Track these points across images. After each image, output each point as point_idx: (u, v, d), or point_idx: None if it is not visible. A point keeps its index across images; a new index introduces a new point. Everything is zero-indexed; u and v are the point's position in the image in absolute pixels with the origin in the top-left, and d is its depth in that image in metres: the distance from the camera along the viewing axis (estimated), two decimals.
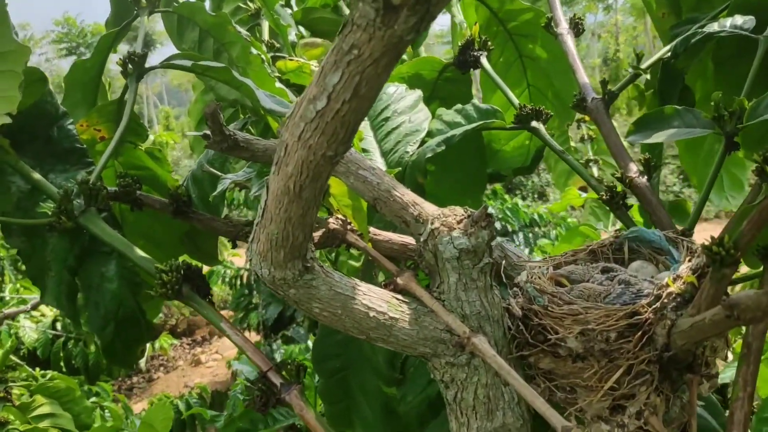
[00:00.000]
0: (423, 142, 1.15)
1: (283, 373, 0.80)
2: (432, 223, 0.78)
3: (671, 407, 0.77)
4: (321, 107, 0.58)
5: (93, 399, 3.16)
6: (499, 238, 0.98)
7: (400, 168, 1.09)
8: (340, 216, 1.00)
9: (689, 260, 0.80)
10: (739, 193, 1.39)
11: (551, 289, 0.81)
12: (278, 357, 4.44)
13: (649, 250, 0.89)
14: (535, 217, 6.99)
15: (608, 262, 0.90)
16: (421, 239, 0.79)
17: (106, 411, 3.07)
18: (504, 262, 0.96)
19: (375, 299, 0.76)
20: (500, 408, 0.79)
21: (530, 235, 6.87)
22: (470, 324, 0.77)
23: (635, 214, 1.21)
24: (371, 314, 0.75)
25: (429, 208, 0.81)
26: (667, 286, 0.75)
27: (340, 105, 0.58)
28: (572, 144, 2.44)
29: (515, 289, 0.85)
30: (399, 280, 0.80)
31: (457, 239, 0.76)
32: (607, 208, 0.97)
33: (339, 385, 1.01)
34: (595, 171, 2.44)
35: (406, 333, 0.76)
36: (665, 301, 0.74)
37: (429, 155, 1.05)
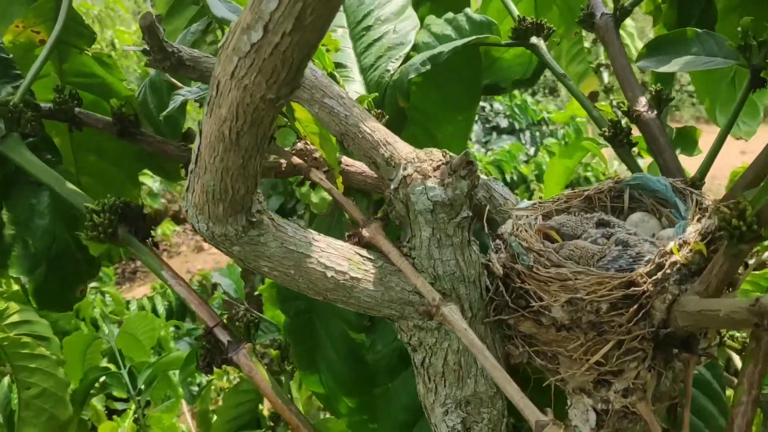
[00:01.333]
0: (408, 56, 1.01)
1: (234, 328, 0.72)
2: (404, 169, 0.67)
3: (662, 381, 0.70)
4: (256, 40, 0.46)
5: (94, 284, 3.12)
6: (484, 177, 0.87)
7: (379, 91, 0.96)
8: (304, 145, 0.88)
9: (698, 219, 0.70)
10: (753, 120, 1.26)
11: (538, 245, 0.71)
12: None
13: (652, 200, 0.78)
14: (544, 115, 6.80)
15: (605, 211, 0.80)
16: (392, 186, 0.68)
17: (107, 296, 3.05)
18: (489, 205, 0.85)
19: (334, 256, 0.66)
20: (472, 375, 0.71)
21: (537, 133, 6.72)
22: (443, 286, 0.68)
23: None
24: (329, 274, 0.65)
25: (402, 149, 0.69)
26: (671, 253, 0.65)
27: (280, 38, 0.45)
28: (585, 45, 2.26)
29: (498, 242, 0.75)
30: (365, 232, 0.70)
31: (431, 190, 0.65)
32: (609, 144, 0.85)
33: (304, 326, 0.93)
34: (605, 77, 2.27)
35: (368, 294, 0.67)
36: (668, 271, 0.64)
37: (412, 75, 0.92)
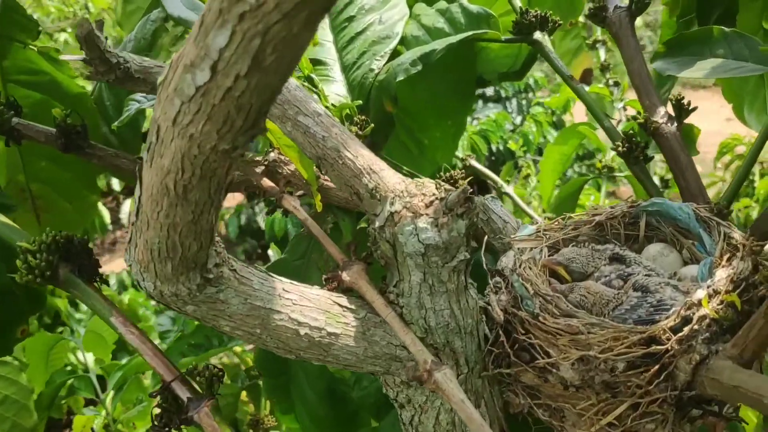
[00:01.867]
0: (396, 52, 0.90)
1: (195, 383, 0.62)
2: (392, 204, 0.57)
3: None
4: (202, 82, 0.36)
5: None
6: (480, 198, 0.77)
7: (362, 93, 0.86)
8: (278, 155, 0.78)
9: (727, 258, 0.61)
10: None
11: (544, 288, 0.62)
12: (260, 221, 4.27)
13: (672, 229, 0.69)
14: (530, 82, 6.67)
15: (619, 240, 0.71)
16: (376, 223, 0.58)
17: None
18: (486, 228, 0.76)
19: (308, 310, 0.56)
20: None
21: (524, 101, 6.58)
22: (435, 340, 0.59)
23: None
24: (302, 332, 0.56)
25: (390, 180, 0.59)
26: (700, 305, 0.56)
27: (233, 81, 0.35)
28: (579, 19, 2.14)
29: (498, 279, 0.66)
30: (345, 276, 0.60)
31: (423, 231, 0.56)
32: (623, 162, 0.76)
33: (276, 358, 0.84)
34: (602, 54, 2.15)
35: (349, 351, 0.58)
36: (696, 327, 0.55)
37: (401, 77, 0.81)
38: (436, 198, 0.57)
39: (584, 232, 0.71)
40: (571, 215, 0.73)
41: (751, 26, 0.89)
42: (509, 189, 1.85)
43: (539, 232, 0.71)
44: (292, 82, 0.65)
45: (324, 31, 0.94)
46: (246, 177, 0.80)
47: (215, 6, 0.33)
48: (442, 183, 0.58)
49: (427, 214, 0.56)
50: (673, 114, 0.74)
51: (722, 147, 3.86)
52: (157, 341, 1.79)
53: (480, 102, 6.92)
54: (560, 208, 1.81)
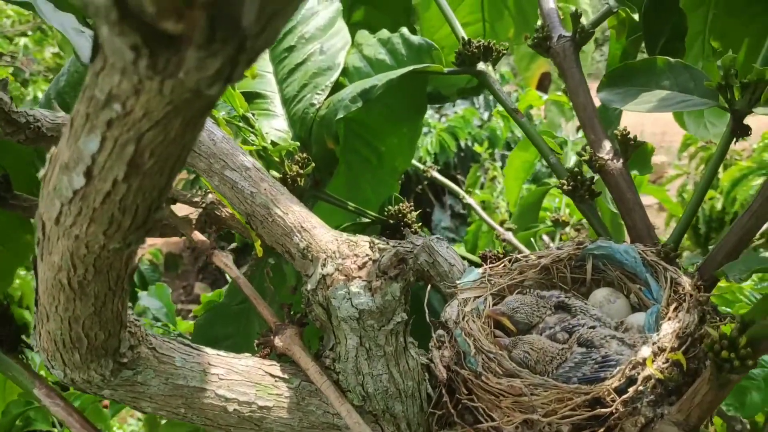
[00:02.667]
0: (338, 84, 0.87)
1: None
2: (323, 266, 0.54)
3: None
4: (79, 186, 0.32)
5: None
6: (426, 238, 0.74)
7: (303, 128, 0.82)
8: (216, 204, 0.75)
9: (674, 308, 0.59)
10: (720, 120, 1.16)
11: (487, 344, 0.60)
12: None
13: (620, 272, 0.67)
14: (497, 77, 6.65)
15: (565, 284, 0.69)
16: (308, 286, 0.55)
17: None
18: (432, 271, 0.73)
19: (237, 384, 0.53)
20: None
21: (490, 97, 6.58)
22: (374, 406, 0.56)
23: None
24: (231, 408, 0.53)
25: (322, 238, 0.56)
26: (644, 364, 0.54)
27: (111, 186, 0.32)
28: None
29: (441, 333, 0.64)
30: (277, 341, 0.57)
31: (356, 296, 0.53)
32: (570, 199, 0.73)
33: None
34: None
35: (283, 423, 0.55)
36: (640, 388, 0.53)
37: (341, 114, 0.78)
38: (370, 259, 0.54)
39: (530, 276, 0.68)
40: (518, 257, 0.71)
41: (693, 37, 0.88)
42: (471, 200, 1.83)
43: (484, 277, 0.68)
44: (218, 133, 0.62)
45: (264, 61, 0.90)
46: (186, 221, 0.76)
47: (82, 110, 0.29)
48: (377, 242, 0.55)
49: (360, 277, 0.53)
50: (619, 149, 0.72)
51: (686, 138, 3.89)
52: None
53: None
54: (523, 218, 1.80)
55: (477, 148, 3.85)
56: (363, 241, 0.56)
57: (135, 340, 0.48)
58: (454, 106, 5.29)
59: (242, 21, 0.24)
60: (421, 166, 1.91)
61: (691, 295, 0.59)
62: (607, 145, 0.73)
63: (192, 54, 0.25)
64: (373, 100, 0.96)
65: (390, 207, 0.88)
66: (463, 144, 5.63)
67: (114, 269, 0.39)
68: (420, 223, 0.88)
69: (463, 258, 0.88)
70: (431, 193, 5.11)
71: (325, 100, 0.83)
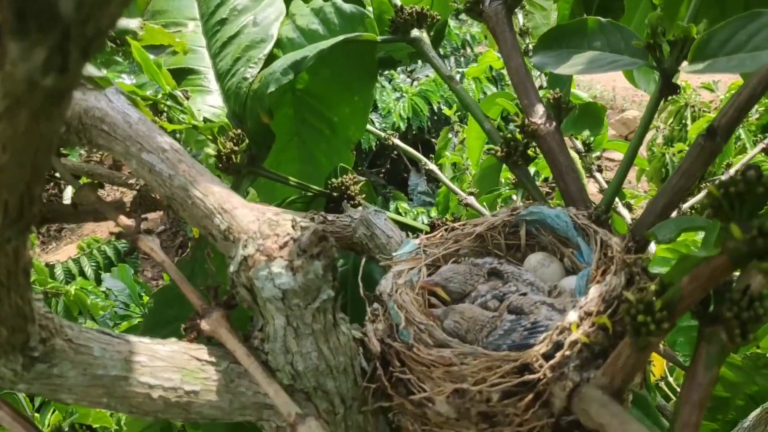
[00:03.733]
0: (272, 55, 0.85)
1: None
2: (244, 246, 0.53)
3: None
4: None
5: None
6: (364, 211, 0.74)
7: (237, 103, 0.81)
8: (147, 188, 0.73)
9: (602, 271, 0.59)
10: None
11: (419, 316, 0.59)
12: None
13: (552, 236, 0.67)
14: (467, 38, 6.62)
15: (500, 250, 0.69)
16: (231, 268, 0.54)
17: None
18: (371, 244, 0.73)
19: (161, 370, 0.53)
20: None
21: (462, 59, 6.54)
22: (305, 384, 0.56)
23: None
24: (155, 395, 0.52)
25: (243, 218, 0.55)
26: (570, 330, 0.54)
27: None
28: None
29: (375, 306, 0.63)
30: (204, 325, 0.56)
31: (278, 276, 0.52)
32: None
33: None
34: (520, 18, 2.10)
35: (213, 406, 0.54)
36: (567, 353, 0.53)
37: (272, 88, 0.76)
38: (291, 238, 0.53)
39: (465, 245, 0.68)
40: (454, 225, 0.70)
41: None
42: (433, 166, 1.83)
43: (420, 248, 0.68)
44: (134, 115, 0.60)
45: (197, 35, 0.88)
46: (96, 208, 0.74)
47: None
48: (299, 220, 0.55)
49: (281, 257, 0.53)
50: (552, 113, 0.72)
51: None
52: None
53: (419, 62, 6.85)
54: (483, 182, 1.80)
55: (446, 111, 3.82)
56: (285, 220, 0.55)
57: (47, 333, 0.47)
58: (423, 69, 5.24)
59: (60, 8, 0.23)
60: (383, 134, 1.90)
61: (619, 257, 0.59)
62: (539, 109, 0.72)
63: (12, 44, 0.23)
64: (322, 70, 0.95)
65: (333, 180, 0.87)
66: (435, 108, 5.60)
67: (1, 265, 0.37)
68: (364, 195, 0.87)
69: (412, 228, 0.87)
70: (407, 158, 5.09)
71: (259, 73, 0.81)
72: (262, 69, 0.82)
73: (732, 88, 3.28)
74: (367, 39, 0.79)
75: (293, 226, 0.54)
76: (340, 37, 0.77)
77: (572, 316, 0.55)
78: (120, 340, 0.52)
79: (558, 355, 0.53)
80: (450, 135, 3.91)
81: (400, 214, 4.48)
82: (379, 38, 0.80)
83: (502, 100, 1.78)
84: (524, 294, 0.60)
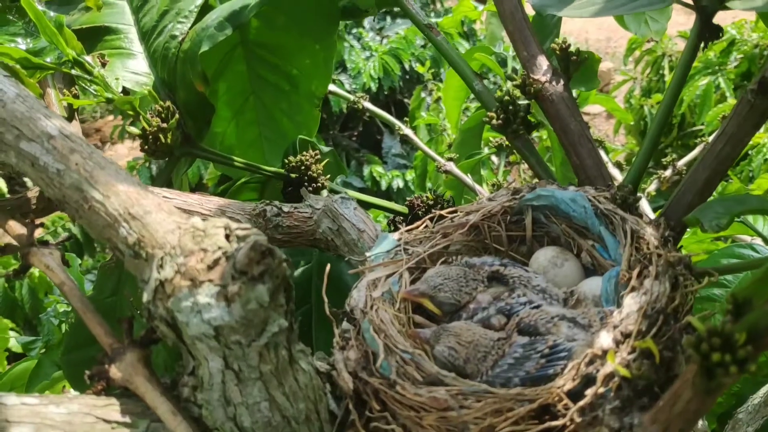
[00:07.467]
0: (208, 7, 0.69)
1: None
2: (160, 267, 0.39)
3: None
4: None
5: None
6: (328, 199, 0.59)
7: (166, 67, 0.65)
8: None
9: (637, 273, 0.46)
10: (662, 15, 1.03)
11: (402, 342, 0.46)
12: None
13: (566, 225, 0.53)
14: None
15: (500, 245, 0.55)
16: (144, 297, 0.40)
17: None
18: (338, 240, 0.58)
19: None
20: None
21: (432, 13, 6.34)
22: None
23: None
24: None
25: (158, 227, 0.40)
26: (604, 358, 0.41)
27: None
28: None
29: (346, 326, 0.49)
30: (114, 371, 0.42)
31: (206, 308, 0.38)
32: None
33: None
34: None
35: None
36: (601, 390, 0.40)
37: (206, 47, 0.61)
38: (223, 255, 0.38)
39: (456, 239, 0.54)
40: (442, 213, 0.56)
41: None
42: (408, 131, 1.67)
43: (399, 245, 0.54)
44: (10, 90, 0.44)
45: None
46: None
47: None
48: (234, 227, 0.40)
49: (210, 281, 0.38)
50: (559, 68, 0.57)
51: (631, 42, 3.77)
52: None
53: (388, 18, 6.65)
54: (464, 146, 1.66)
55: (419, 68, 3.66)
56: (215, 228, 0.40)
57: None
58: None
59: None
60: (352, 97, 1.73)
61: (659, 255, 0.45)
62: (543, 63, 0.57)
63: None
64: (276, 17, 0.80)
65: (291, 158, 0.72)
66: (407, 66, 5.41)
67: None
68: (329, 175, 0.73)
69: (390, 210, 0.73)
70: (380, 120, 4.94)
71: (190, 29, 0.65)
72: (194, 24, 0.66)
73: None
74: None
75: (227, 236, 0.39)
76: None
77: (605, 339, 0.41)
78: (6, 401, 0.38)
79: (589, 393, 0.40)
80: (423, 94, 3.75)
81: (374, 178, 4.33)
82: None
83: (481, 55, 1.63)
84: (537, 306, 0.46)
